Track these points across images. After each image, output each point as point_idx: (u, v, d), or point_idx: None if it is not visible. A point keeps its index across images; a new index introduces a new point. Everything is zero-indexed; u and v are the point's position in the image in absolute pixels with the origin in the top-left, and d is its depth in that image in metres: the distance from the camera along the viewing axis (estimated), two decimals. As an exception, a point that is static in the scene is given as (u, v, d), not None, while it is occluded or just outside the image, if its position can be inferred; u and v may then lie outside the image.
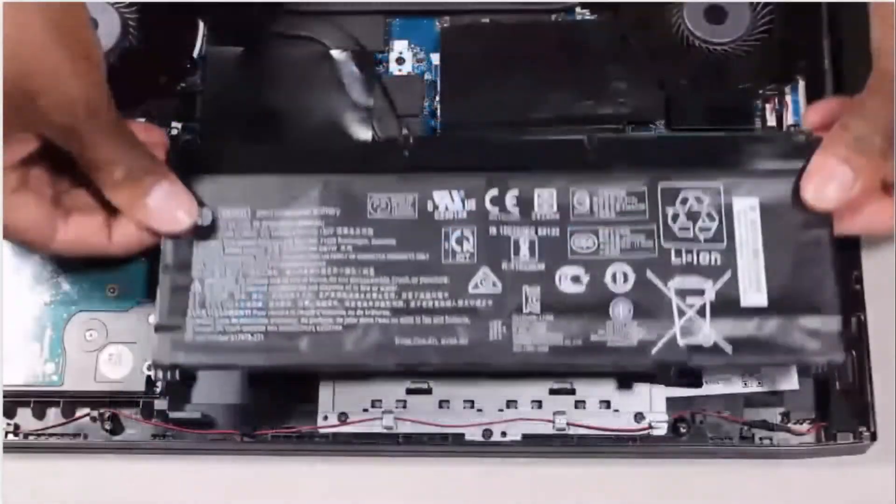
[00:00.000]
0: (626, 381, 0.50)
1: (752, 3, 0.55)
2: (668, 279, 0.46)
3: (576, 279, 0.46)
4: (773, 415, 0.51)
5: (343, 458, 0.52)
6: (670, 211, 0.47)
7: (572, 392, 0.51)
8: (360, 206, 0.48)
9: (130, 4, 0.55)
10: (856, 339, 0.49)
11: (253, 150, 0.50)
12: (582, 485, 0.51)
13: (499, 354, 0.46)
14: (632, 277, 0.46)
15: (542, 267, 0.47)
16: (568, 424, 0.50)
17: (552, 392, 0.51)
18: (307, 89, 0.56)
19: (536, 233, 0.47)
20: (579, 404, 0.51)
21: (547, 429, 0.50)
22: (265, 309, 0.47)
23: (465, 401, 0.51)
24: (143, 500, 0.52)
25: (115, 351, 0.51)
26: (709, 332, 0.45)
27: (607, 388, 0.51)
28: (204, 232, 0.47)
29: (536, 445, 0.50)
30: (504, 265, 0.47)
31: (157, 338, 0.47)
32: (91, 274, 0.52)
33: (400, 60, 0.57)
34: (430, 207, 0.48)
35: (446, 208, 0.48)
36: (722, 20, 0.55)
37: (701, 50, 0.55)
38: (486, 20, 0.57)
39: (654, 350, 0.45)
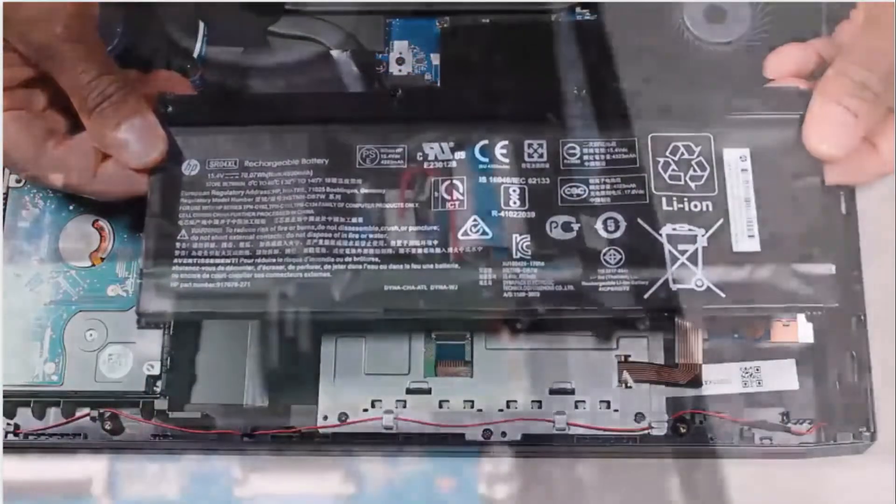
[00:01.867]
0: (615, 327, 0.51)
1: (752, 3, 0.55)
2: (660, 226, 0.46)
3: (566, 227, 0.46)
4: (773, 415, 0.51)
5: (343, 458, 0.52)
6: (661, 160, 0.47)
7: (572, 392, 0.51)
8: (349, 157, 0.48)
9: (130, 4, 0.55)
10: (855, 337, 0.49)
11: (242, 102, 0.51)
12: (582, 485, 0.51)
13: (488, 300, 0.45)
14: (623, 225, 0.46)
15: (532, 215, 0.47)
16: (568, 424, 0.50)
17: (552, 392, 0.51)
18: (307, 89, 0.56)
19: (526, 182, 0.47)
20: (579, 404, 0.51)
21: (547, 429, 0.50)
22: (252, 257, 0.46)
23: (465, 401, 0.51)
24: (143, 500, 0.52)
25: (115, 351, 0.51)
26: (701, 277, 0.45)
27: (607, 388, 0.51)
28: (191, 182, 0.47)
29: (536, 445, 0.50)
30: (494, 213, 0.47)
31: (142, 284, 0.46)
32: (91, 274, 0.52)
33: (400, 61, 0.57)
34: (419, 157, 0.48)
35: (436, 158, 0.48)
36: (722, 20, 0.55)
37: (701, 50, 0.55)
38: (486, 20, 0.57)
39: (647, 295, 0.45)
